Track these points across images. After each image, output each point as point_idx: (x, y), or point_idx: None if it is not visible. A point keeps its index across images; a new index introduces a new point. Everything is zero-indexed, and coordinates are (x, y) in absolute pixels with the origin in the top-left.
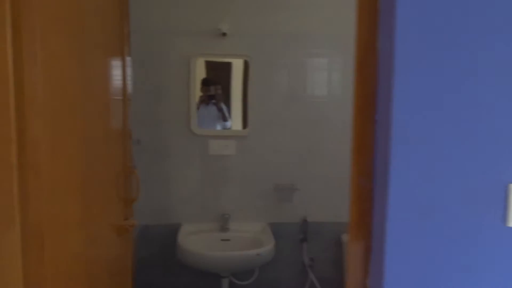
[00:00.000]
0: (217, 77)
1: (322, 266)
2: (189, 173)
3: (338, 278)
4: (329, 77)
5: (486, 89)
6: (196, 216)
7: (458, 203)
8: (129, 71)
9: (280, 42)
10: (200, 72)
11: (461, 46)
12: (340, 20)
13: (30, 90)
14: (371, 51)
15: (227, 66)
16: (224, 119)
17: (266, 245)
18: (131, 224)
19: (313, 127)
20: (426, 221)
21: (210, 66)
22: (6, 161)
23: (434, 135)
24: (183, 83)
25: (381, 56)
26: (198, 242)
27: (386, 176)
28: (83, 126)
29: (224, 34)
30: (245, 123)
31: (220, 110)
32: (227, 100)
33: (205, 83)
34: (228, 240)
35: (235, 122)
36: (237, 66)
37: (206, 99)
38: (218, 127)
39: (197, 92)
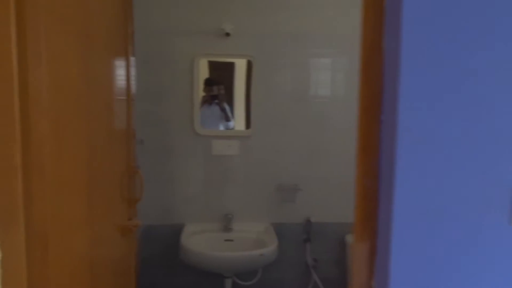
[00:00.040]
0: (220, 77)
1: (326, 267)
2: (192, 173)
3: (341, 279)
4: (332, 77)
5: (494, 89)
6: (199, 216)
7: (464, 204)
8: (133, 71)
9: (284, 42)
10: (203, 72)
11: (469, 46)
12: (344, 20)
13: (34, 90)
14: (376, 51)
15: (230, 66)
16: (227, 119)
17: (270, 246)
18: (134, 224)
19: (316, 127)
20: (432, 222)
21: (213, 66)
22: (11, 161)
23: (440, 135)
24: (187, 83)
25: (386, 56)
26: (201, 242)
27: (392, 176)
28: (87, 126)
29: (227, 34)
30: (248, 123)
31: (223, 110)
32: (230, 100)
33: (208, 83)
34: (231, 240)
35: (238, 122)
36: (240, 66)
37: (209, 99)
38: (221, 127)
39: (200, 92)
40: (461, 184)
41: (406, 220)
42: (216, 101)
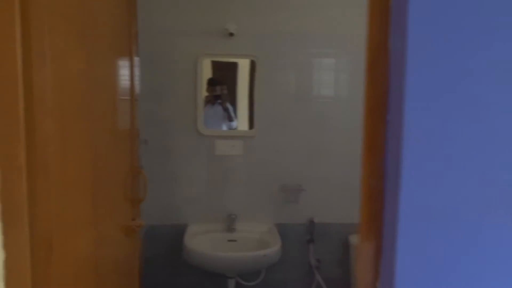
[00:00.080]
0: (223, 77)
1: (329, 267)
2: (195, 173)
3: (344, 279)
4: (336, 77)
5: (503, 89)
6: (202, 217)
7: (471, 204)
8: (136, 71)
9: (287, 42)
10: (206, 72)
11: (477, 46)
12: (348, 20)
13: (39, 90)
14: (382, 51)
15: (233, 66)
16: (230, 119)
17: (273, 246)
18: (138, 225)
19: (319, 127)
20: (438, 222)
21: (216, 66)
22: (15, 161)
23: (447, 135)
24: (190, 83)
25: (392, 56)
26: (204, 242)
27: (398, 176)
28: (91, 126)
29: (231, 34)
30: (251, 124)
31: (225, 110)
32: (233, 100)
33: (211, 83)
34: (234, 240)
35: (241, 122)
36: (243, 66)
37: (212, 99)
38: (224, 127)
39: (203, 92)
40: (468, 184)
41: (412, 220)
42: (219, 101)
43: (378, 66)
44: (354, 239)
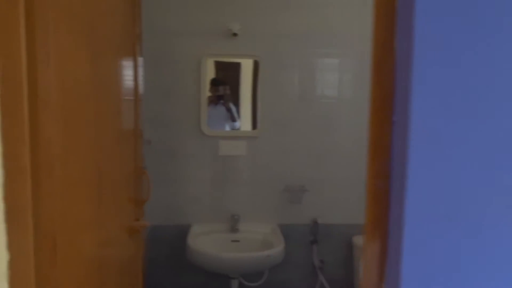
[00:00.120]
0: (226, 78)
1: (332, 268)
2: (199, 174)
3: (348, 280)
4: (339, 77)
5: (510, 89)
6: (206, 217)
7: (478, 205)
8: (140, 71)
9: (291, 42)
10: (209, 72)
11: (484, 46)
12: (352, 20)
13: (43, 91)
14: (388, 51)
15: (236, 67)
16: (233, 119)
17: (276, 247)
18: (142, 225)
19: (323, 128)
20: (444, 223)
21: (219, 66)
22: (19, 162)
23: (453, 136)
24: (193, 83)
25: (398, 56)
26: (208, 243)
27: (404, 177)
28: (95, 126)
29: (235, 35)
30: (254, 124)
31: (228, 110)
32: (236, 100)
33: (214, 83)
34: (238, 241)
35: (244, 123)
36: (247, 66)
37: (215, 99)
38: (227, 128)
39: (206, 93)
40: (474, 185)
41: (418, 221)
42: (222, 101)
43: (384, 66)
44: (357, 240)
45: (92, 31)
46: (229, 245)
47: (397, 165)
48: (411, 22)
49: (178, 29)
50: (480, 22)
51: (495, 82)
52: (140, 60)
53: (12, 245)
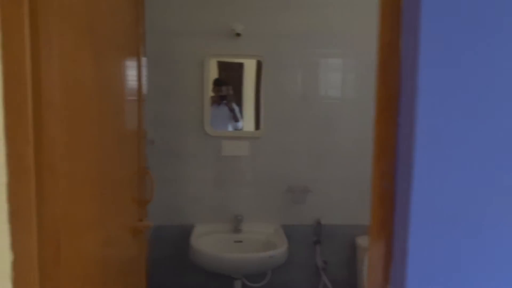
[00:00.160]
0: (229, 78)
1: (335, 269)
2: (202, 174)
3: (351, 281)
4: (343, 78)
5: None
6: (209, 217)
7: (484, 206)
8: (144, 71)
9: (294, 42)
10: (212, 73)
11: (491, 44)
12: (355, 20)
13: (47, 91)
14: (393, 51)
15: (239, 67)
16: (236, 119)
17: (279, 247)
18: (145, 226)
19: (326, 128)
20: (450, 224)
21: (222, 66)
22: (23, 162)
23: (460, 136)
24: (197, 83)
25: (404, 56)
26: (210, 243)
27: (409, 178)
28: (98, 126)
29: (238, 35)
30: (257, 124)
31: (231, 110)
32: (239, 100)
33: (217, 83)
34: (240, 241)
35: (247, 123)
36: (249, 67)
37: (218, 100)
38: (230, 128)
39: (209, 93)
40: (481, 186)
41: (424, 222)
42: (225, 101)
43: (389, 66)
44: (361, 241)
45: (95, 31)
46: (232, 245)
47: (402, 166)
48: (417, 22)
49: (181, 29)
50: (487, 21)
51: (503, 82)
52: (144, 60)
53: (15, 246)
